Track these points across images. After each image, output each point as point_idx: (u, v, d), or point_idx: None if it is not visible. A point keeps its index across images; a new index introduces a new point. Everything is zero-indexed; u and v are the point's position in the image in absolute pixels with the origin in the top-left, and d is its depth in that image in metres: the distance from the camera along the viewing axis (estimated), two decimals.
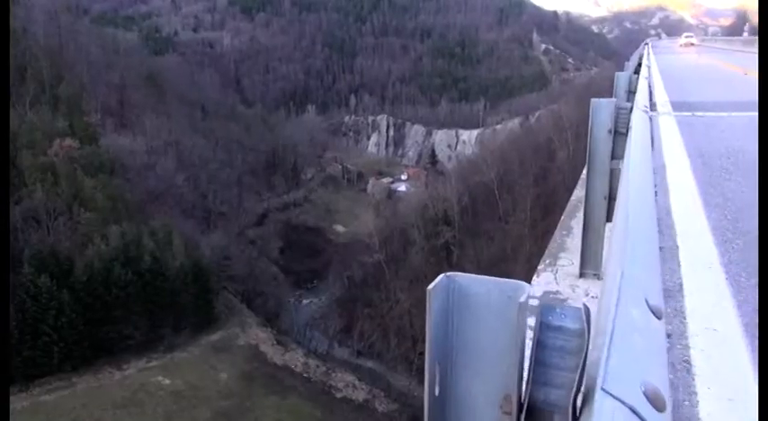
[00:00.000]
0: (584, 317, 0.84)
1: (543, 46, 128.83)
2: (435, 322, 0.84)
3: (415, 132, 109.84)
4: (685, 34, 66.43)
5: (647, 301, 0.84)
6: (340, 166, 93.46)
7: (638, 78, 7.39)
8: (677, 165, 5.37)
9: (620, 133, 2.76)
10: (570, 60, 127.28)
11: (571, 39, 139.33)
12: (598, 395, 0.75)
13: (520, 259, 36.83)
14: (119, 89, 62.48)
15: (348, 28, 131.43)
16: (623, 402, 0.75)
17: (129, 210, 40.88)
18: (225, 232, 51.51)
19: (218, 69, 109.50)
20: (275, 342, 40.50)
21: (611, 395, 0.75)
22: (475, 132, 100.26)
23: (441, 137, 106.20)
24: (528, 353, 0.86)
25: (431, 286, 0.84)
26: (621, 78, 6.32)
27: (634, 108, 2.47)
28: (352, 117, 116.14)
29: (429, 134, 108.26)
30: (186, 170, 55.20)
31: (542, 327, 0.84)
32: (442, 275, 0.88)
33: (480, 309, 0.83)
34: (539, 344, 0.85)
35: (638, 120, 2.23)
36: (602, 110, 2.40)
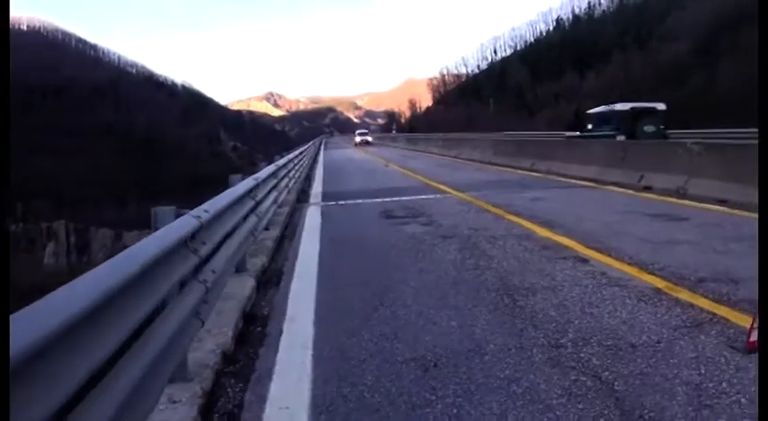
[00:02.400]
0: None
1: (231, 143, 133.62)
2: None
3: (102, 236, 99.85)
4: (359, 131, 63.88)
5: None
6: None
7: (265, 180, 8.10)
8: (309, 251, 5.96)
9: None
10: (259, 155, 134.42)
11: (257, 136, 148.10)
12: None
13: None
14: None
15: None
16: None
17: None
18: None
19: None
20: None
21: None
22: None
23: (132, 239, 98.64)
24: None
25: None
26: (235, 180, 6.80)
27: (190, 212, 2.63)
28: (21, 225, 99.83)
29: (119, 237, 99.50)
30: None
31: None
32: None
33: None
34: None
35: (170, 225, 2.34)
36: (164, 216, 2.50)
